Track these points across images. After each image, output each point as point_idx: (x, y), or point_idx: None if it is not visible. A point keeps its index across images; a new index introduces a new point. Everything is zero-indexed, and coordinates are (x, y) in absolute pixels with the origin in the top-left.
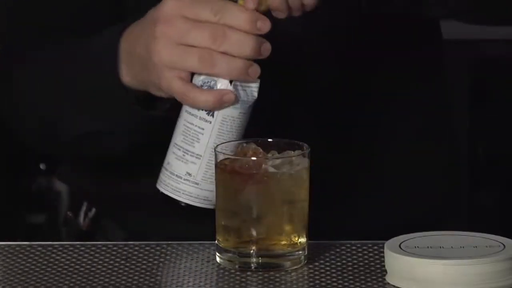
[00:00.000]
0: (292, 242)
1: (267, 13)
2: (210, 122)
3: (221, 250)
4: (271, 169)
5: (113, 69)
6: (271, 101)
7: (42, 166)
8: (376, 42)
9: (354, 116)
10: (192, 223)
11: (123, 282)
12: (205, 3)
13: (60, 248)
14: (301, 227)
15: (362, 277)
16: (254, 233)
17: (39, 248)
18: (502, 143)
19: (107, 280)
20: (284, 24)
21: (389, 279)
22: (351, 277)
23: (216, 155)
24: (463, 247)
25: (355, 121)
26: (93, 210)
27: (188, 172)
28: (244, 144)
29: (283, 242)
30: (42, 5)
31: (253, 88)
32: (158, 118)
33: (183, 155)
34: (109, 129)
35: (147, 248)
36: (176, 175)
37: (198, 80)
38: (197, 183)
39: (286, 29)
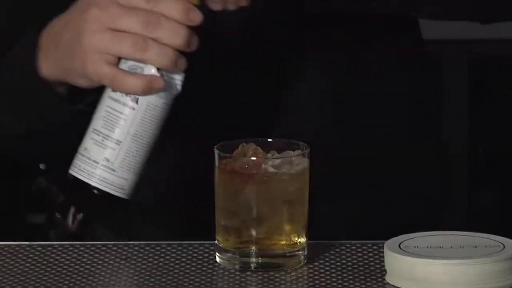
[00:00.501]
0: (292, 242)
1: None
2: (134, 109)
3: (221, 250)
4: (271, 169)
5: (32, 63)
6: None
7: (42, 166)
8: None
9: (352, 116)
10: (178, 224)
11: (123, 282)
12: None
13: (60, 248)
14: (301, 227)
15: (362, 277)
16: (254, 233)
17: (39, 248)
18: (502, 143)
19: (107, 280)
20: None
21: (388, 279)
22: (350, 277)
23: (216, 155)
24: (463, 247)
25: (354, 120)
26: (82, 212)
27: (106, 158)
28: (244, 144)
29: (283, 242)
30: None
31: (178, 81)
32: (82, 113)
33: (102, 141)
34: (39, 129)
35: (147, 248)
36: (93, 161)
37: (125, 65)
38: (114, 170)
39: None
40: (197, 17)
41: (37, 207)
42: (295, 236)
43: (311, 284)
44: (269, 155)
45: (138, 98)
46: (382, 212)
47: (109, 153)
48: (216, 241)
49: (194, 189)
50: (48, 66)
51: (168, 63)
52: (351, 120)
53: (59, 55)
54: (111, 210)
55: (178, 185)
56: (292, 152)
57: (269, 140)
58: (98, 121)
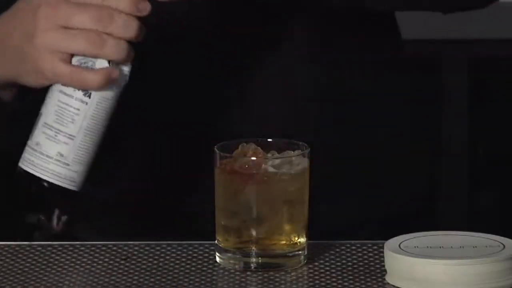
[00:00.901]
0: (292, 242)
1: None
2: (87, 103)
3: (221, 250)
4: (271, 169)
5: None
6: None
7: None
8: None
9: (352, 116)
10: (175, 225)
11: (123, 282)
12: None
13: (60, 248)
14: (301, 227)
15: (362, 277)
16: (254, 233)
17: (39, 248)
18: (502, 143)
19: (107, 280)
20: None
21: (389, 279)
22: (351, 277)
23: (216, 155)
24: (463, 247)
25: (353, 120)
26: (67, 214)
27: (59, 153)
28: (244, 144)
29: (283, 242)
30: None
31: (126, 72)
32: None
33: (55, 135)
34: None
35: (147, 248)
36: (47, 155)
37: (75, 61)
38: (67, 164)
39: None
40: (146, 8)
41: (38, 207)
42: (295, 236)
43: (311, 284)
44: (269, 155)
45: (90, 92)
46: (382, 212)
47: (63, 147)
48: (216, 241)
49: (192, 189)
50: None
51: (124, 56)
52: (350, 120)
53: (9, 55)
54: (96, 212)
55: (174, 186)
56: (292, 152)
57: (269, 140)
58: (49, 116)
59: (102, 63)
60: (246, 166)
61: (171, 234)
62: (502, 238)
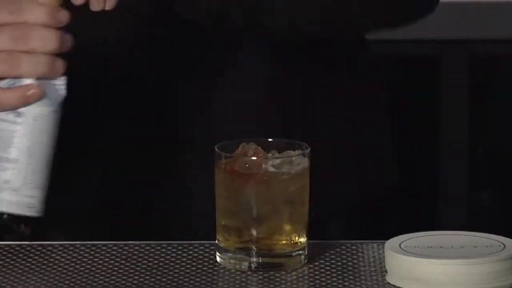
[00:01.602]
0: (292, 241)
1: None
2: (21, 124)
3: (221, 250)
4: (271, 169)
5: None
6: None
7: None
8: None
9: (352, 117)
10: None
11: (123, 282)
12: (0, 5)
13: (60, 248)
14: (301, 226)
15: (363, 277)
16: (254, 232)
17: (39, 248)
18: (502, 143)
19: (107, 279)
20: None
21: (389, 278)
22: (351, 277)
23: (216, 155)
24: (463, 246)
25: (353, 122)
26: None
27: (5, 180)
28: (245, 144)
29: (283, 242)
30: None
31: (60, 85)
32: None
33: None
34: None
35: (147, 248)
36: None
37: (4, 83)
38: (15, 190)
39: None
40: (64, 17)
41: None
42: (295, 236)
43: (311, 284)
44: (269, 155)
45: (22, 112)
46: (383, 211)
47: (8, 174)
48: (216, 241)
49: (192, 189)
50: None
51: (45, 71)
52: (351, 121)
53: None
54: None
55: (174, 185)
56: (293, 152)
57: (269, 140)
58: None
59: (27, 81)
60: (247, 166)
61: (171, 234)
62: (502, 237)
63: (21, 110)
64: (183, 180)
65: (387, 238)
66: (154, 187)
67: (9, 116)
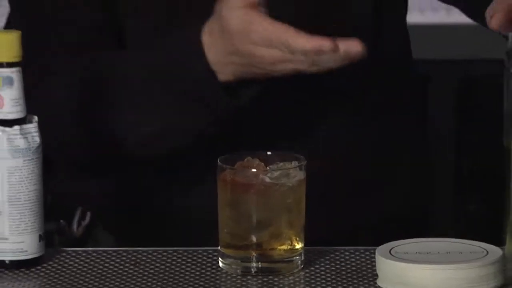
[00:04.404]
0: (289, 248)
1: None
2: None
3: (224, 256)
4: (270, 180)
5: (206, 65)
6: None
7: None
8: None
9: (347, 130)
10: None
11: (132, 286)
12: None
13: (73, 254)
14: (298, 234)
15: (355, 281)
16: (254, 239)
17: (54, 254)
18: (487, 158)
19: (117, 284)
20: None
21: (380, 283)
22: (344, 281)
23: (219, 167)
24: (449, 252)
25: (348, 136)
26: (87, 219)
27: None
28: (250, 158)
29: (281, 248)
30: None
31: (33, 134)
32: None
33: None
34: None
35: (155, 253)
36: None
37: None
38: (6, 238)
39: None
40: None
41: (51, 216)
42: (293, 242)
43: (307, 287)
44: (268, 167)
45: None
46: (375, 219)
47: None
48: (219, 247)
49: (197, 198)
50: (220, 68)
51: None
52: (346, 135)
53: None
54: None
55: (182, 196)
56: (290, 165)
57: (268, 153)
58: None
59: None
60: (247, 177)
61: (178, 240)
62: (485, 244)
63: None
64: (190, 191)
65: (379, 245)
66: (162, 197)
67: None
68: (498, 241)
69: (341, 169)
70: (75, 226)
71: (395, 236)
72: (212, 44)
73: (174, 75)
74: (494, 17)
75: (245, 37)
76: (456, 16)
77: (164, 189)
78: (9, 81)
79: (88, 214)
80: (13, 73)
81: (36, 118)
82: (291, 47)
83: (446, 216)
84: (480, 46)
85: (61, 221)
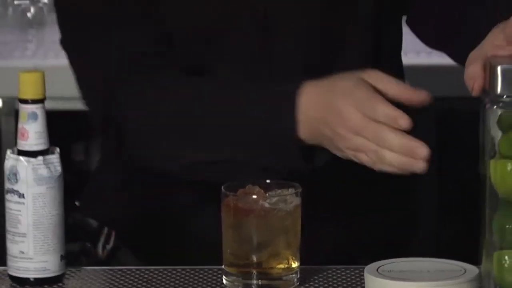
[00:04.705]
0: (286, 266)
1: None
2: (24, 203)
3: (227, 274)
4: (269, 206)
5: (292, 123)
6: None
7: (77, 203)
8: None
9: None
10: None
11: None
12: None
13: (93, 272)
14: (294, 253)
15: None
16: (254, 259)
17: (75, 271)
18: (464, 185)
19: None
20: None
21: None
22: None
23: (223, 194)
24: (430, 271)
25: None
26: (111, 242)
27: (21, 251)
28: (250, 186)
29: (279, 267)
30: None
31: (55, 163)
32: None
33: (13, 237)
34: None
35: (165, 272)
36: (13, 256)
37: None
38: (31, 258)
39: None
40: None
41: (72, 237)
42: (289, 262)
43: None
44: (267, 194)
45: (23, 193)
46: (364, 241)
47: (21, 246)
48: (223, 266)
49: (205, 223)
50: (305, 131)
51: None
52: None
53: (316, 130)
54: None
55: (191, 221)
56: (287, 191)
57: (267, 181)
58: (7, 223)
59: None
60: (248, 203)
61: (186, 260)
62: (463, 263)
63: (22, 191)
64: (196, 215)
65: (367, 263)
66: (172, 220)
67: (14, 197)
68: (475, 261)
69: (335, 196)
70: (100, 249)
71: (382, 256)
72: (310, 108)
73: (258, 120)
74: (476, 84)
75: (351, 125)
76: (436, 58)
77: (186, 211)
78: (33, 116)
79: (112, 238)
80: (37, 109)
81: (58, 149)
82: (386, 142)
83: (428, 238)
84: (460, 84)
85: (87, 243)
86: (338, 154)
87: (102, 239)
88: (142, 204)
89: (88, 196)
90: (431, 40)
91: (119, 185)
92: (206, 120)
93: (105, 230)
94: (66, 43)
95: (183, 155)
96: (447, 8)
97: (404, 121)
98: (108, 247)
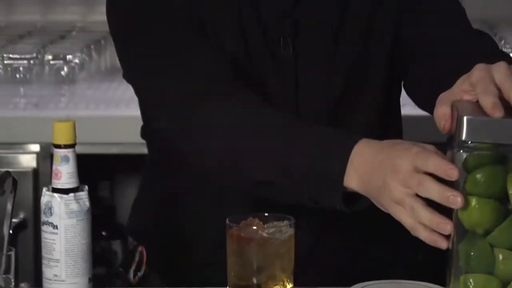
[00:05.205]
0: (283, 287)
1: None
2: (57, 234)
3: None
4: (267, 235)
5: (342, 171)
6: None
7: (104, 233)
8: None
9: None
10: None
11: None
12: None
13: None
14: (289, 276)
15: None
16: (255, 281)
17: None
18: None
19: None
20: None
21: None
22: None
23: (227, 225)
24: None
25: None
26: (142, 269)
27: (55, 274)
28: (251, 218)
29: (276, 287)
30: None
31: (84, 199)
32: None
33: (48, 262)
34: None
35: None
36: (47, 279)
37: None
38: (63, 280)
39: None
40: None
41: (99, 263)
42: (284, 283)
43: None
44: (265, 225)
45: (56, 225)
46: (349, 267)
47: (55, 270)
48: (227, 287)
49: (212, 250)
50: (357, 183)
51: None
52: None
53: (369, 182)
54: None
55: (200, 249)
56: (282, 223)
57: (265, 214)
58: (43, 250)
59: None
60: (249, 233)
61: (196, 282)
62: (433, 285)
63: (56, 223)
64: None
65: (352, 285)
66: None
67: (49, 228)
68: (443, 282)
69: (325, 228)
70: (131, 275)
71: (364, 278)
72: (366, 160)
73: (309, 160)
74: (447, 124)
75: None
76: (408, 109)
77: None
78: (66, 159)
79: (143, 267)
80: (69, 153)
81: (86, 187)
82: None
83: (403, 263)
84: (429, 131)
85: (120, 268)
86: (381, 208)
87: (133, 267)
88: (174, 230)
89: (130, 219)
90: (425, 105)
91: (156, 210)
92: (270, 143)
93: (137, 257)
94: (134, 72)
95: (247, 173)
96: (440, 76)
97: (453, 171)
98: (139, 274)
